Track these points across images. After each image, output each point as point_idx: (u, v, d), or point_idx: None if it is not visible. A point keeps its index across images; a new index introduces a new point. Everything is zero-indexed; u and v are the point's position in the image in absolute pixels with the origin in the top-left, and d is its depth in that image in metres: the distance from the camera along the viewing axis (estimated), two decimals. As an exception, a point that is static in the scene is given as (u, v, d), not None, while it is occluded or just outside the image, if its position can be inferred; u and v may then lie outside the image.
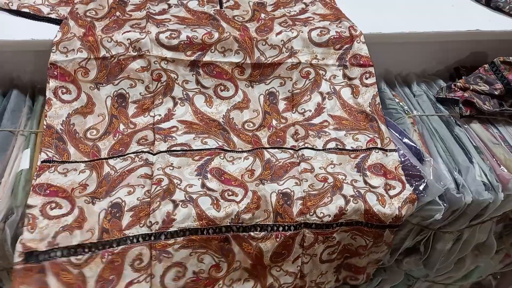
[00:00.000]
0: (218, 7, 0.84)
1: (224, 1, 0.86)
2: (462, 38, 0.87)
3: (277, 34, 0.77)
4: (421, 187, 0.69)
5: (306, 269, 0.66)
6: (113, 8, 0.79)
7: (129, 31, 0.73)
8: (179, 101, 0.73)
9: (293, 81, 0.77)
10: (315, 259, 0.66)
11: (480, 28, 0.85)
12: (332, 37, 0.78)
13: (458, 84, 0.84)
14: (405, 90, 0.88)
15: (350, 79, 0.77)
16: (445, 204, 0.69)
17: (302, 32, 0.78)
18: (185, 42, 0.73)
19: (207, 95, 0.74)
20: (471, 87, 0.83)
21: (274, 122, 0.75)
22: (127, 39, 0.72)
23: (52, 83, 0.69)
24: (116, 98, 0.72)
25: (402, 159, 0.71)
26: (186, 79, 0.74)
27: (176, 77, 0.74)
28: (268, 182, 0.67)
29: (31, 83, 0.78)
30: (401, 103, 0.83)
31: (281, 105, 0.76)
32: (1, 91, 0.76)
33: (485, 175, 0.72)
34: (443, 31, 0.84)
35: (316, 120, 0.75)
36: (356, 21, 0.81)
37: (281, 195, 0.65)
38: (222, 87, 0.75)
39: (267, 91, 0.76)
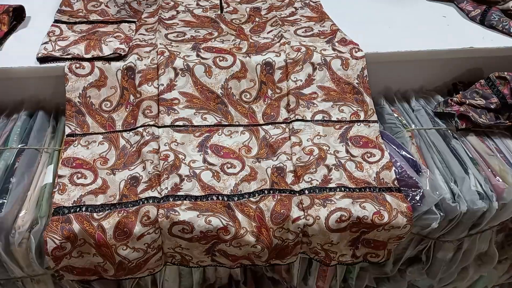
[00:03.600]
0: (219, 12, 0.97)
1: (224, 7, 0.99)
2: (457, 56, 0.90)
3: (268, 32, 0.90)
4: (417, 197, 0.72)
5: (311, 231, 0.69)
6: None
7: (144, 46, 0.85)
8: (180, 72, 0.80)
9: (286, 52, 0.83)
10: (320, 223, 0.68)
11: (474, 45, 0.89)
12: (315, 33, 0.90)
13: (455, 99, 0.87)
14: (404, 106, 0.92)
15: (340, 52, 0.84)
16: (441, 213, 0.73)
17: (289, 30, 0.90)
18: (189, 38, 0.86)
19: (206, 65, 0.81)
20: (468, 102, 0.86)
21: (269, 92, 0.81)
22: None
23: (67, 62, 0.78)
24: (125, 71, 0.79)
25: (399, 170, 0.75)
26: (187, 54, 0.82)
27: (178, 52, 0.82)
28: (264, 159, 0.75)
29: (55, 105, 0.85)
30: (399, 118, 0.87)
31: (277, 75, 0.82)
32: (29, 112, 0.83)
33: (480, 185, 0.75)
34: (439, 49, 0.88)
35: (306, 91, 0.82)
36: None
37: (275, 169, 0.73)
38: (221, 58, 0.82)
39: (263, 61, 0.82)
